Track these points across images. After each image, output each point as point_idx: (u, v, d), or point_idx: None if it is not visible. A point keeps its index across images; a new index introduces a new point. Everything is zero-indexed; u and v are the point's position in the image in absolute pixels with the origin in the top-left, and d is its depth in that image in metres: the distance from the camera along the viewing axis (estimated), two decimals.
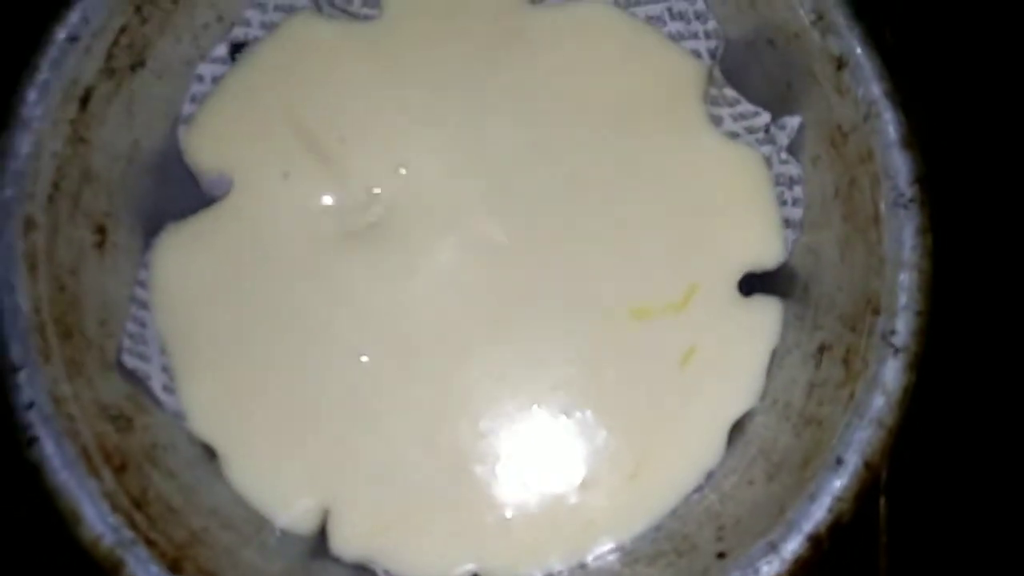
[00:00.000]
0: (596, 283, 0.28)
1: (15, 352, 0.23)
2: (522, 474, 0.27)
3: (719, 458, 0.27)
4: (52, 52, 0.25)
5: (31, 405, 0.23)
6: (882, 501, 0.31)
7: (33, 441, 0.22)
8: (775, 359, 0.27)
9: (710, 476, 0.27)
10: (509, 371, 0.28)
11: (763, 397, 0.27)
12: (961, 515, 0.31)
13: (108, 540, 0.22)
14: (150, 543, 0.22)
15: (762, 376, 0.27)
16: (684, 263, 0.28)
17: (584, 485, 0.27)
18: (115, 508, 0.22)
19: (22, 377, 0.23)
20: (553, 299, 0.28)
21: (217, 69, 0.29)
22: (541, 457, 0.27)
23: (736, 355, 0.28)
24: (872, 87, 0.25)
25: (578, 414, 0.27)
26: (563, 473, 0.27)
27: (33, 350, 0.23)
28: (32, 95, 0.24)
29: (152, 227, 0.28)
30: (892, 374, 0.23)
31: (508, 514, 0.27)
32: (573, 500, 0.27)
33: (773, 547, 0.22)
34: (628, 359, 0.28)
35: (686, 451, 0.27)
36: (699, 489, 0.27)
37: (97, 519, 0.22)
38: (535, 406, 0.27)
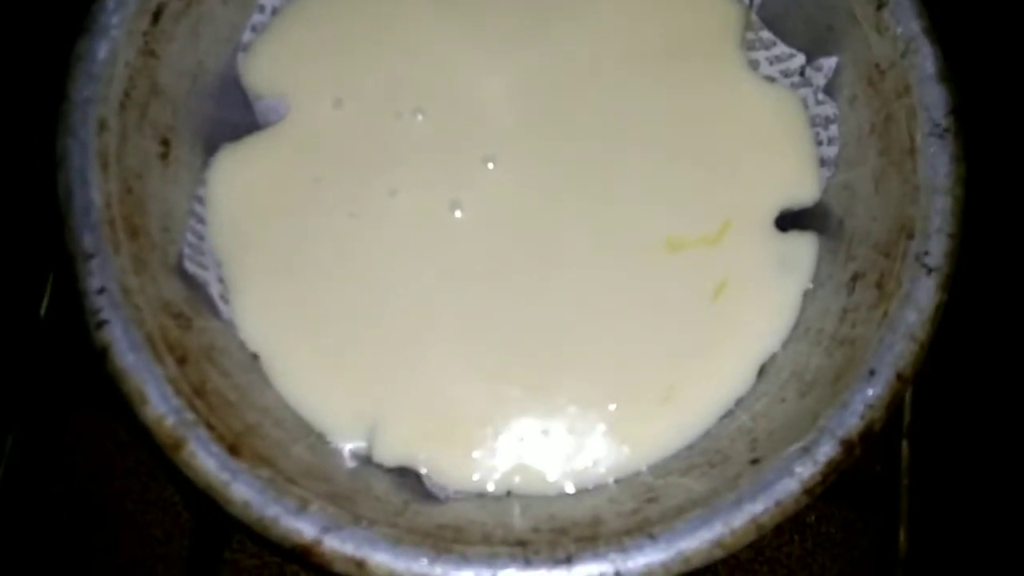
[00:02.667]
0: (633, 214, 0.29)
1: (88, 241, 0.24)
2: (558, 394, 0.28)
3: (750, 385, 0.28)
4: None
5: (102, 290, 0.24)
6: (904, 444, 0.32)
7: (103, 324, 0.23)
8: (808, 293, 0.29)
9: (741, 400, 0.28)
10: (548, 294, 0.29)
11: (795, 327, 0.28)
12: (982, 456, 0.32)
13: (171, 420, 0.23)
14: (210, 427, 0.23)
15: (795, 312, 0.28)
16: (719, 200, 0.29)
17: (618, 407, 0.28)
18: (178, 392, 0.23)
19: (95, 264, 0.24)
20: (591, 228, 0.29)
21: (277, 0, 0.30)
22: (576, 378, 0.28)
23: (770, 291, 0.29)
24: (911, 24, 0.26)
25: (612, 339, 0.28)
26: (597, 395, 0.28)
27: (104, 241, 0.24)
28: (111, 3, 0.26)
29: (211, 147, 0.29)
30: (925, 292, 0.24)
31: (544, 431, 0.28)
32: (607, 421, 0.28)
33: (807, 451, 0.23)
34: (662, 288, 0.29)
35: (717, 380, 0.28)
36: (730, 412, 0.28)
37: (161, 400, 0.23)
38: (572, 330, 0.28)
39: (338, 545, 0.22)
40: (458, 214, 0.29)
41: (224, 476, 0.22)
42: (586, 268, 0.29)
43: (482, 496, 0.27)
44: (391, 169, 0.29)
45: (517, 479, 0.27)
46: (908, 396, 0.32)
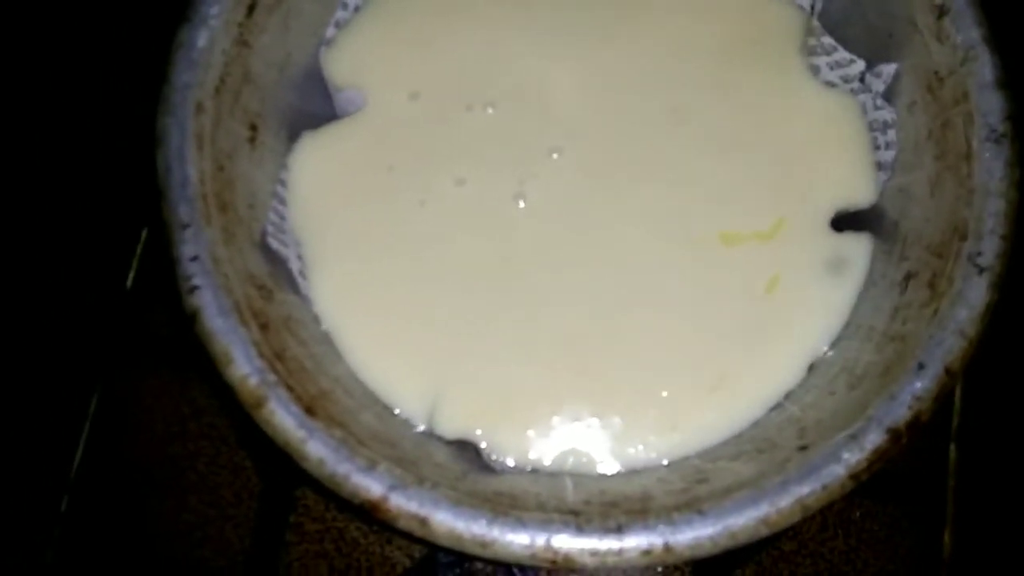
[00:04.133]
0: (690, 207, 0.30)
1: (183, 212, 0.26)
2: (612, 379, 0.29)
3: (799, 380, 0.29)
4: None
5: (195, 258, 0.25)
6: (952, 447, 0.33)
7: (195, 289, 0.25)
8: (860, 292, 0.29)
9: (790, 394, 0.29)
10: (605, 282, 0.30)
11: (847, 325, 0.29)
12: None
13: (254, 380, 0.25)
14: (289, 388, 0.25)
15: (847, 310, 0.29)
16: (775, 198, 0.30)
17: (669, 394, 0.29)
18: (260, 355, 0.25)
19: (188, 234, 0.26)
20: (648, 220, 0.30)
21: None
22: (629, 365, 0.29)
23: (822, 289, 0.30)
24: (972, 32, 0.27)
25: (666, 328, 0.29)
26: (649, 381, 0.29)
27: (198, 213, 0.26)
28: None
29: (293, 134, 0.31)
30: (976, 291, 0.25)
31: (597, 414, 0.29)
32: (658, 406, 0.29)
33: (854, 438, 0.24)
34: (715, 280, 0.30)
35: (767, 372, 0.29)
36: (779, 404, 0.29)
37: (245, 360, 0.25)
38: (626, 317, 0.30)
39: (404, 503, 0.23)
40: (521, 204, 0.31)
41: (301, 433, 0.24)
42: (642, 258, 0.30)
43: (536, 471, 0.28)
44: (460, 159, 0.31)
45: (570, 459, 0.28)
46: (957, 399, 0.33)
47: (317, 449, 0.24)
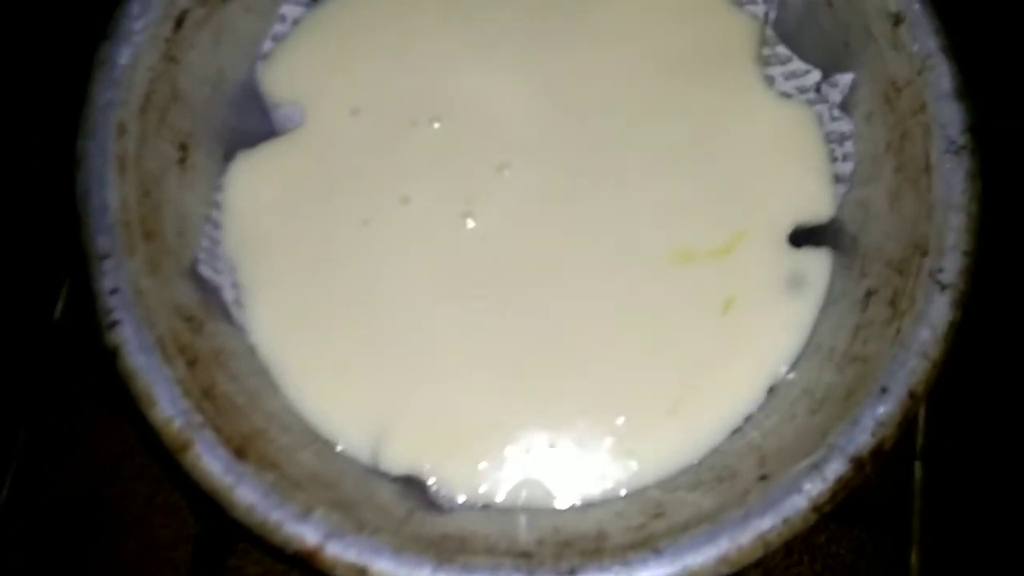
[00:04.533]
0: (644, 224, 0.29)
1: (103, 241, 0.24)
2: (566, 407, 0.28)
3: (759, 403, 0.28)
4: None
5: (115, 291, 0.24)
6: (917, 466, 0.32)
7: (115, 324, 0.24)
8: (821, 310, 0.28)
9: (750, 418, 0.28)
10: (558, 305, 0.28)
11: (807, 344, 0.28)
12: (995, 479, 0.31)
13: (179, 422, 0.23)
14: (217, 429, 0.23)
15: (807, 329, 0.28)
16: (730, 213, 0.29)
17: (625, 421, 0.28)
18: (186, 394, 0.23)
19: (108, 264, 0.24)
20: (602, 238, 0.29)
21: (298, 11, 0.31)
22: (584, 391, 0.28)
23: (781, 307, 0.29)
24: (928, 41, 0.26)
25: (621, 351, 0.28)
26: (605, 407, 0.28)
27: (119, 242, 0.24)
28: (135, 9, 0.26)
29: (229, 153, 0.30)
30: (938, 309, 0.24)
31: (551, 443, 0.27)
32: (614, 434, 0.28)
33: (816, 468, 0.23)
34: (671, 301, 0.28)
35: (726, 395, 0.28)
36: (739, 429, 0.27)
37: (169, 402, 0.23)
38: (581, 341, 0.28)
39: (341, 552, 0.22)
40: (470, 223, 0.29)
41: (229, 479, 0.23)
42: (596, 279, 0.29)
43: (488, 507, 0.27)
44: (405, 177, 0.30)
45: (524, 492, 0.27)
46: (921, 417, 0.32)
47: (246, 495, 0.22)
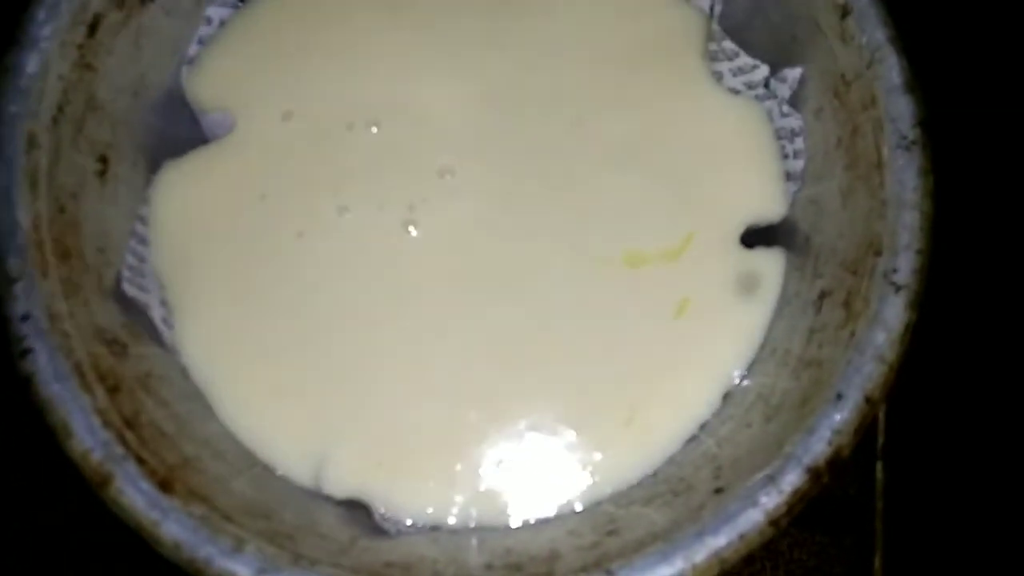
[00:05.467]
0: (592, 228, 0.28)
1: (12, 264, 0.23)
2: (517, 420, 0.27)
3: (715, 409, 0.27)
4: None
5: (26, 317, 0.22)
6: (879, 467, 0.31)
7: (27, 352, 0.22)
8: (774, 312, 0.27)
9: (705, 425, 0.27)
10: (506, 315, 0.27)
11: (761, 348, 0.27)
12: (958, 478, 0.31)
13: (98, 454, 0.22)
14: (140, 461, 0.22)
15: (761, 332, 0.27)
16: (681, 214, 0.28)
17: (578, 432, 0.27)
18: (106, 424, 0.22)
19: (18, 289, 0.22)
20: (548, 243, 0.28)
21: (224, 12, 0.29)
22: (535, 402, 0.27)
23: (734, 310, 0.28)
24: (876, 33, 0.25)
25: (573, 360, 0.27)
26: (557, 419, 0.27)
27: (30, 264, 0.23)
28: (41, 14, 0.24)
29: (155, 164, 0.28)
30: (893, 311, 0.23)
31: (502, 459, 0.26)
32: (567, 447, 0.27)
33: (771, 480, 0.22)
34: (622, 306, 0.27)
35: (680, 403, 0.27)
36: (695, 437, 0.27)
37: (87, 433, 0.22)
38: (531, 351, 0.27)
39: None
40: (412, 232, 0.28)
41: (154, 514, 0.21)
42: (545, 286, 0.28)
43: (436, 530, 0.26)
44: (341, 185, 0.28)
45: (474, 510, 0.26)
46: (882, 417, 0.31)
47: (173, 531, 0.21)
